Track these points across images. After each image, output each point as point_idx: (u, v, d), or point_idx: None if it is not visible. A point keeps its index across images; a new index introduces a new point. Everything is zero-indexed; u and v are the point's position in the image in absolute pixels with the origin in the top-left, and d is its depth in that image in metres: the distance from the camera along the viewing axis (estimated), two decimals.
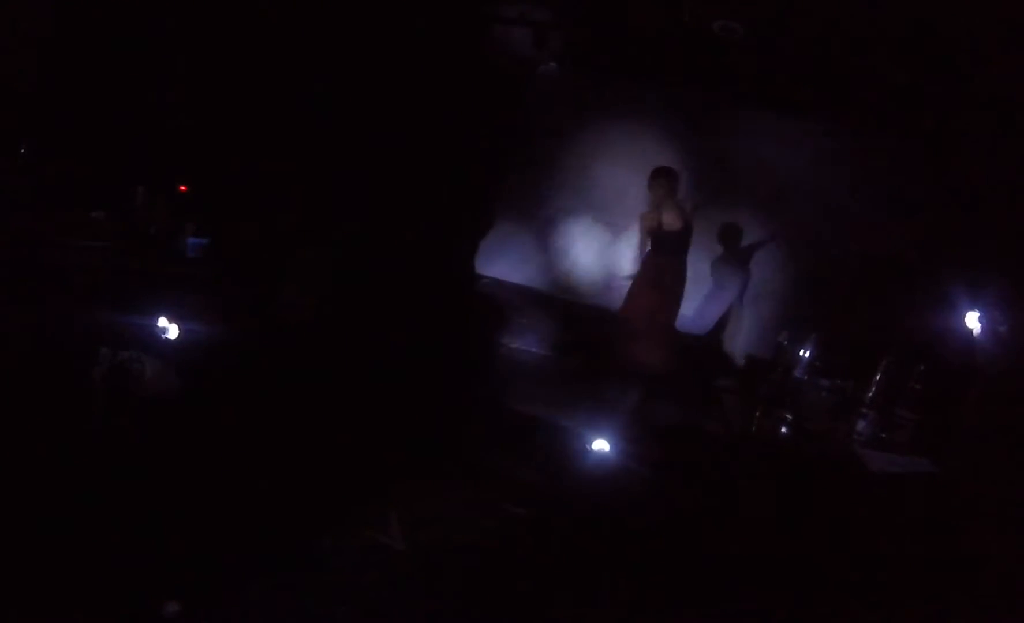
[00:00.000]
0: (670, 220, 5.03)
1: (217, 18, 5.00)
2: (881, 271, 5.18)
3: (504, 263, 6.35)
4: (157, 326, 3.70)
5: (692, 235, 5.14)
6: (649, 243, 5.13)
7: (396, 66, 5.56)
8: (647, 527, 3.05)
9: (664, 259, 5.09)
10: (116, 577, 2.22)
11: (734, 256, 5.93)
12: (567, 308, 6.11)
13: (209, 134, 4.99)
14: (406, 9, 5.32)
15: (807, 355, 4.00)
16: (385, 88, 5.55)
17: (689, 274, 5.31)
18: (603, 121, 6.20)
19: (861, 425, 3.54)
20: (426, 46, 5.58)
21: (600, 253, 6.14)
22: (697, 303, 5.86)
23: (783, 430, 3.58)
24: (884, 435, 3.53)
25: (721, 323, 5.93)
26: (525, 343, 6.16)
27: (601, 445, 3.57)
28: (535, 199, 6.31)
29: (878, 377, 3.60)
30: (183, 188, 4.94)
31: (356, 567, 2.60)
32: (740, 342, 5.88)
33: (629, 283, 5.22)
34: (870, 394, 3.62)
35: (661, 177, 5.08)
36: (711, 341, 5.92)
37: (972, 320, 3.88)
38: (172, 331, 3.70)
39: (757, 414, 3.72)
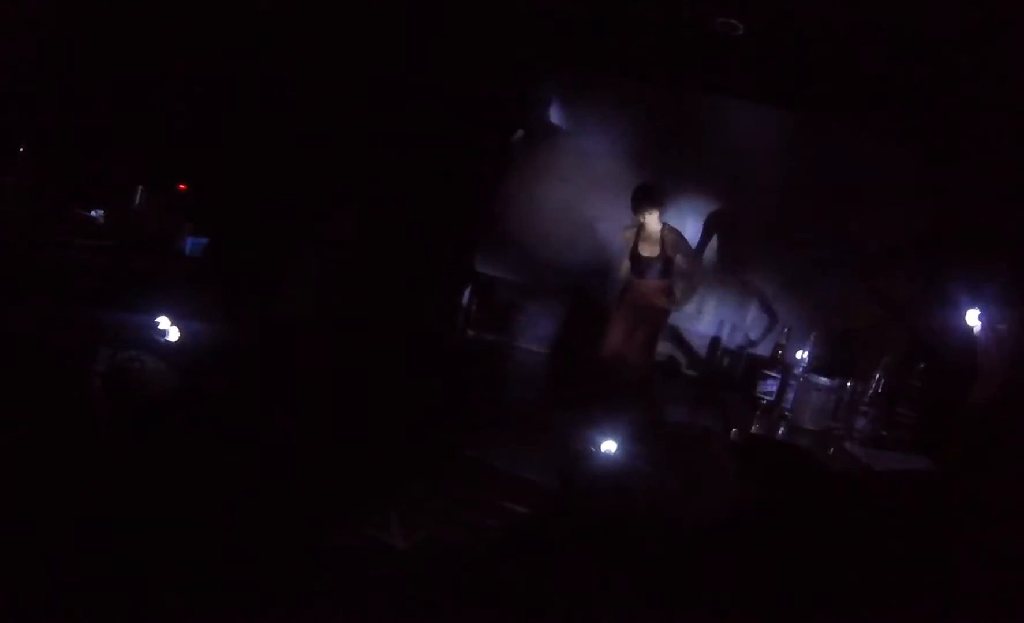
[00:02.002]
0: (654, 241, 4.97)
1: (217, 17, 4.99)
2: (881, 270, 5.18)
3: (503, 261, 6.35)
4: (157, 326, 3.70)
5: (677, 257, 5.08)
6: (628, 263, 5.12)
7: (395, 66, 5.55)
8: (647, 527, 3.05)
9: (642, 281, 5.05)
10: (116, 577, 2.22)
11: (734, 254, 5.93)
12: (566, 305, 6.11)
13: (209, 134, 4.98)
14: (406, 12, 5.31)
15: (806, 354, 3.99)
16: (384, 88, 5.54)
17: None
18: (602, 119, 6.20)
19: (861, 423, 3.53)
20: (425, 47, 5.58)
21: (597, 251, 6.13)
22: (698, 303, 5.86)
23: (782, 429, 3.57)
24: (884, 433, 3.52)
25: (722, 322, 5.93)
26: (525, 341, 6.17)
27: (609, 446, 3.55)
28: (534, 196, 6.30)
29: (878, 376, 3.59)
30: (183, 187, 4.94)
31: (356, 567, 2.60)
32: (740, 341, 5.88)
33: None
34: (870, 392, 3.61)
35: (641, 195, 5.00)
36: (712, 340, 5.92)
37: (972, 318, 3.87)
38: (173, 333, 3.70)
39: (757, 413, 3.72)
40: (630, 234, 5.10)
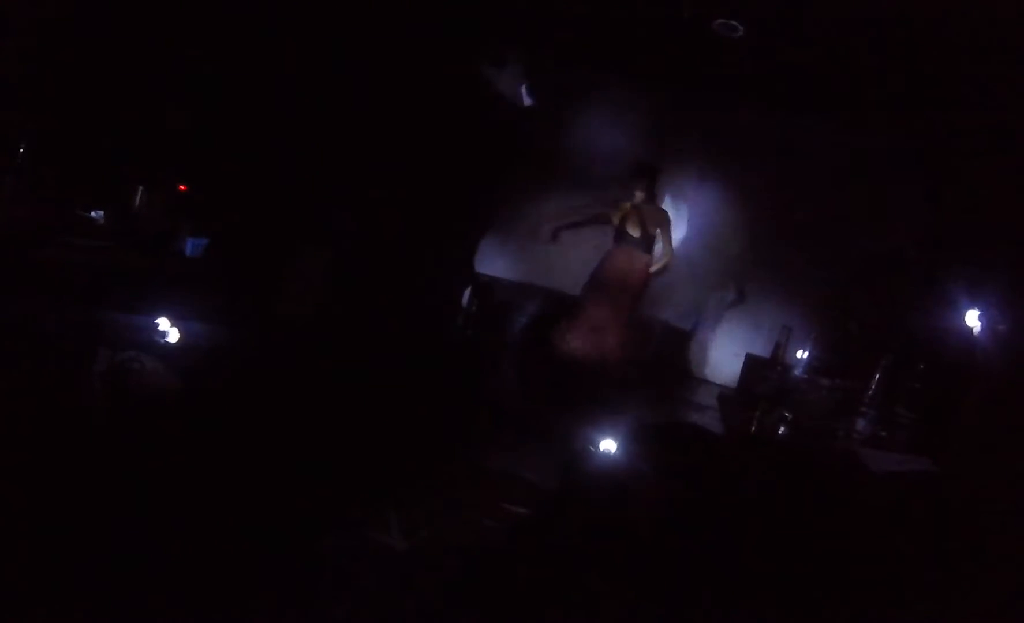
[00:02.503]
0: (641, 218, 5.05)
1: (217, 17, 4.99)
2: (881, 271, 5.18)
3: (501, 261, 6.35)
4: (157, 326, 3.69)
5: (658, 236, 5.17)
6: (614, 236, 5.19)
7: (394, 67, 5.55)
8: (647, 527, 3.05)
9: (626, 254, 5.11)
10: (116, 577, 2.22)
11: (732, 254, 5.93)
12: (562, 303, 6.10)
13: (209, 134, 4.98)
14: (404, 12, 5.32)
15: (806, 354, 4.00)
16: (383, 88, 5.54)
17: (689, 272, 5.31)
18: (599, 119, 6.19)
19: (861, 424, 3.54)
20: (423, 48, 5.58)
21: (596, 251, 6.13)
22: (696, 301, 5.86)
23: (782, 429, 3.58)
24: (884, 434, 3.53)
25: (720, 321, 5.93)
26: (525, 341, 6.16)
27: (608, 445, 3.55)
28: (531, 197, 6.30)
29: (878, 376, 3.60)
30: (183, 188, 4.94)
31: (356, 567, 2.60)
32: (739, 341, 5.88)
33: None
34: (870, 393, 3.62)
35: (634, 171, 5.10)
36: (709, 340, 5.92)
37: (972, 319, 3.88)
38: (173, 334, 3.70)
39: (757, 413, 3.73)
40: (625, 206, 5.20)
